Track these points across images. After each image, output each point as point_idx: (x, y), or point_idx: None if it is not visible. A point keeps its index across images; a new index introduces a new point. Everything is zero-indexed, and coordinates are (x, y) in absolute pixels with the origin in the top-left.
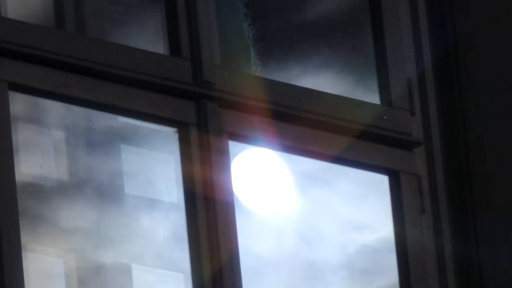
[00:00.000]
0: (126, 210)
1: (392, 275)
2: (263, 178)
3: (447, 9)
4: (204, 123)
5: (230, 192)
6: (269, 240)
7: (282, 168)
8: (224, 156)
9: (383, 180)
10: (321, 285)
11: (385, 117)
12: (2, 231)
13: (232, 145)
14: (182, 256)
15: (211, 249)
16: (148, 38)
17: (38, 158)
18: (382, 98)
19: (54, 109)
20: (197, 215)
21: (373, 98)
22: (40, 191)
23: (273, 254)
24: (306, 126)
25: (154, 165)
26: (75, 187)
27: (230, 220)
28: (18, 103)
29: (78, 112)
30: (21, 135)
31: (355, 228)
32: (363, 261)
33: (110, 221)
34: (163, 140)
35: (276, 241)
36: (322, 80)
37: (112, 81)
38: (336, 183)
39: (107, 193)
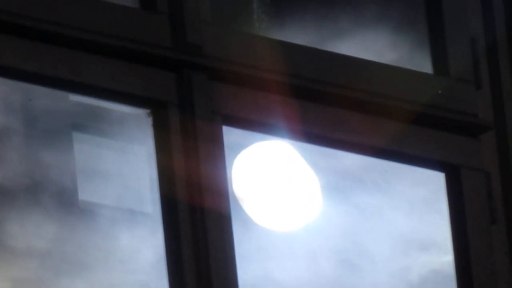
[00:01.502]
0: (81, 223)
1: None
2: (280, 179)
3: None
4: (189, 102)
5: (225, 197)
6: (298, 263)
7: (304, 165)
8: (216, 147)
9: (439, 178)
10: None
11: (440, 92)
12: None
13: (230, 133)
14: (159, 285)
15: (198, 277)
16: None
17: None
18: (436, 67)
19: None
20: (179, 229)
21: (426, 67)
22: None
23: (304, 281)
24: (334, 106)
25: (119, 160)
26: (11, 192)
27: (225, 236)
28: None
29: (14, 88)
30: None
31: (417, 246)
32: None
33: (61, 238)
34: (132, 126)
35: (307, 264)
36: (354, 43)
37: (61, 45)
38: (386, 185)
39: (56, 199)
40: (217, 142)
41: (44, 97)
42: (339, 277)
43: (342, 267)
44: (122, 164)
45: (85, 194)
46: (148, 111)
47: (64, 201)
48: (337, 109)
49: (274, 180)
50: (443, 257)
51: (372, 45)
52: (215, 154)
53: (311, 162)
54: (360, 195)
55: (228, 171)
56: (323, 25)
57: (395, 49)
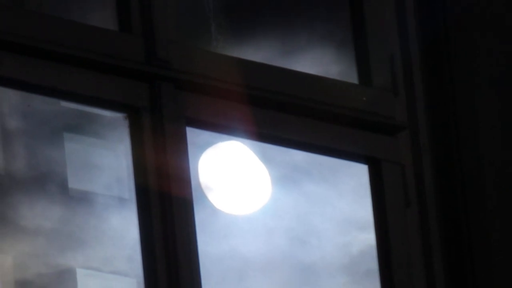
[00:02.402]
0: (71, 207)
1: None
2: (238, 172)
3: None
4: (158, 108)
5: (188, 186)
6: (256, 240)
7: (257, 160)
8: (181, 144)
9: (362, 170)
10: None
11: (364, 99)
12: None
13: (197, 134)
14: (134, 259)
15: (167, 251)
16: (95, 12)
17: None
18: (361, 78)
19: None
20: (150, 212)
21: (351, 77)
22: None
23: (262, 254)
24: (282, 112)
25: (101, 155)
26: (12, 180)
27: (188, 218)
28: None
29: (14, 96)
30: None
31: (356, 226)
32: (367, 262)
33: (52, 219)
34: (111, 127)
35: (264, 241)
36: (293, 58)
37: (53, 60)
38: (328, 176)
39: (49, 187)
40: (182, 141)
41: (40, 103)
42: (292, 251)
43: (294, 243)
44: (105, 158)
45: (73, 183)
46: (125, 115)
47: (64, 189)
48: (284, 114)
49: (233, 172)
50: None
51: (320, 60)
52: (180, 150)
53: (266, 158)
54: (307, 184)
55: (195, 165)
56: (264, 42)
57: (338, 64)
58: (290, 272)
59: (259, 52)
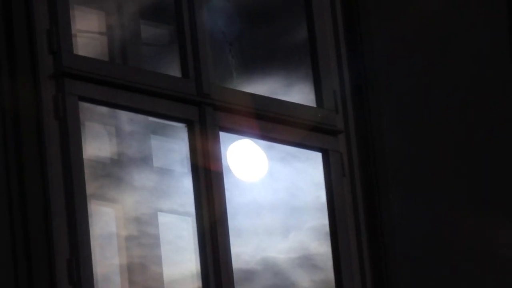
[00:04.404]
0: (155, 177)
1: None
2: (248, 157)
3: (360, 48)
4: (203, 121)
5: (220, 165)
6: (262, 194)
7: (259, 150)
8: (216, 141)
9: (313, 156)
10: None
11: (319, 115)
12: (74, 190)
13: (224, 136)
14: (192, 204)
15: (209, 200)
16: (169, 66)
17: (103, 143)
18: (317, 103)
19: (108, 113)
20: (199, 180)
21: (312, 102)
22: (103, 165)
23: (265, 201)
24: (271, 122)
25: (173, 147)
26: (123, 160)
27: (220, 184)
28: (83, 110)
29: (125, 114)
30: (90, 130)
31: (319, 186)
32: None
33: (145, 184)
34: (178, 131)
35: (267, 194)
36: (284, 89)
37: (147, 94)
38: (300, 162)
39: (142, 165)
40: (217, 139)
41: (139, 118)
42: (283, 199)
43: (284, 195)
44: (175, 149)
45: (156, 162)
46: (185, 125)
47: (151, 166)
48: (272, 124)
49: (246, 156)
50: (318, 193)
51: (300, 90)
52: (216, 144)
53: (265, 148)
54: (290, 163)
55: (225, 153)
56: (265, 81)
57: (308, 94)
58: (284, 212)
59: (264, 85)
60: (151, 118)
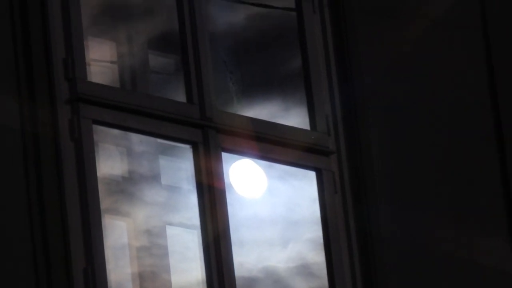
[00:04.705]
0: (163, 192)
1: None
2: (249, 175)
3: (349, 76)
4: (207, 142)
5: (223, 182)
6: (261, 210)
7: (258, 169)
8: (219, 162)
9: (309, 174)
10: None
11: (313, 137)
12: (89, 203)
13: (226, 156)
14: (197, 218)
15: (212, 216)
16: (175, 92)
17: (115, 162)
18: (311, 126)
19: (120, 134)
20: (203, 196)
21: (306, 125)
22: (116, 183)
23: (265, 216)
24: (269, 144)
25: (178, 166)
26: (133, 177)
27: (223, 200)
28: (97, 132)
29: (135, 136)
30: (103, 150)
31: (313, 199)
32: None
33: (154, 199)
34: (184, 152)
35: (266, 210)
36: (281, 113)
37: (155, 118)
38: (296, 179)
39: (151, 182)
40: (219, 159)
41: (148, 139)
42: (280, 214)
43: (282, 210)
44: (180, 168)
45: (164, 180)
46: (190, 146)
47: (159, 183)
48: (270, 145)
49: (246, 174)
50: (314, 207)
51: (296, 114)
52: (218, 164)
53: (263, 167)
54: (288, 181)
55: (227, 171)
56: (263, 105)
57: (303, 118)
58: (282, 225)
59: (263, 110)
60: (159, 140)
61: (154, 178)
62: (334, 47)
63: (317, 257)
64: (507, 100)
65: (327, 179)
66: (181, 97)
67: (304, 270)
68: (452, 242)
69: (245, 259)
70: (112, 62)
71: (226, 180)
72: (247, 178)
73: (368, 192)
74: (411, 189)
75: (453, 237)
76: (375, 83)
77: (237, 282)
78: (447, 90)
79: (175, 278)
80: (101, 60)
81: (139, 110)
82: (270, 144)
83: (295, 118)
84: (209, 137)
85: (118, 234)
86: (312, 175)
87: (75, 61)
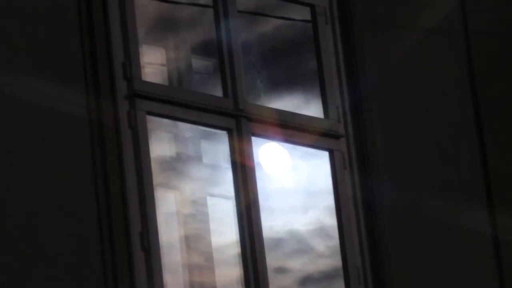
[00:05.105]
0: (204, 170)
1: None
2: (275, 156)
3: (356, 74)
4: (240, 129)
5: (253, 160)
6: (284, 185)
7: (283, 150)
8: (249, 144)
9: (325, 154)
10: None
11: (326, 123)
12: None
13: (255, 140)
14: (232, 190)
15: (244, 189)
16: (213, 89)
17: (165, 145)
18: (325, 114)
19: (169, 123)
20: (237, 174)
21: (321, 114)
22: (166, 162)
23: (286, 188)
24: (291, 129)
25: (217, 149)
26: (182, 158)
27: (253, 176)
28: (150, 121)
29: (181, 125)
30: (155, 136)
31: (324, 175)
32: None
33: (200, 175)
34: (221, 137)
35: (287, 184)
36: (302, 105)
37: (197, 110)
38: (313, 158)
39: (194, 162)
40: (250, 143)
41: (194, 128)
42: (299, 186)
43: (301, 183)
44: (218, 149)
45: (207, 160)
46: (226, 132)
47: (201, 162)
48: (291, 131)
49: (272, 155)
50: (327, 182)
51: (315, 106)
52: (249, 146)
53: (286, 148)
54: (307, 160)
55: (256, 153)
56: (285, 97)
57: (318, 109)
58: (303, 195)
59: (288, 103)
60: (200, 127)
61: (197, 158)
62: (343, 51)
63: (332, 221)
64: (485, 93)
65: (338, 158)
66: (218, 93)
67: (321, 232)
68: (439, 209)
69: (273, 223)
70: (162, 64)
71: (256, 160)
72: (274, 158)
73: (371, 168)
74: (406, 166)
75: (440, 205)
76: (376, 80)
77: (267, 242)
78: (435, 86)
79: (214, 240)
80: (153, 63)
81: (184, 103)
82: (292, 130)
83: (313, 109)
84: (241, 125)
85: (168, 204)
86: (326, 154)
87: (132, 64)
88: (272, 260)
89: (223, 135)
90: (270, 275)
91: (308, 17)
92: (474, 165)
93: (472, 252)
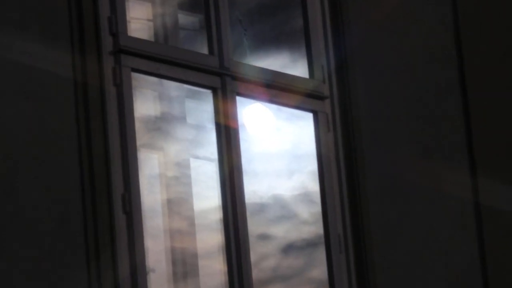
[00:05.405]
0: (188, 130)
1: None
2: (259, 116)
3: (341, 34)
4: (224, 87)
5: (237, 122)
6: (268, 147)
7: (267, 111)
8: (233, 104)
9: (310, 116)
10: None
11: (311, 84)
12: (128, 143)
13: (240, 100)
14: (215, 152)
15: (228, 151)
16: (199, 46)
17: (150, 104)
18: (310, 74)
19: (154, 81)
20: (221, 135)
21: (306, 74)
22: (150, 122)
23: (271, 149)
24: (275, 89)
25: (200, 106)
26: (165, 118)
27: (236, 137)
28: (135, 79)
29: (166, 82)
30: (140, 94)
31: (309, 137)
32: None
33: (183, 136)
34: (205, 95)
35: (272, 147)
36: (289, 65)
37: (182, 67)
38: (297, 119)
39: (177, 122)
40: (234, 103)
41: (174, 85)
42: (285, 147)
43: (285, 143)
44: (201, 107)
45: (190, 120)
46: (210, 90)
47: (184, 122)
48: (275, 90)
49: (256, 115)
50: (311, 144)
51: (302, 66)
52: (233, 106)
53: (271, 109)
54: (290, 121)
55: (240, 113)
56: (270, 56)
57: (304, 69)
58: (288, 159)
59: (275, 61)
60: (185, 85)
61: (182, 118)
62: (329, 10)
63: (317, 187)
64: (470, 53)
65: (322, 119)
66: (203, 50)
67: (306, 197)
68: (422, 173)
69: (256, 187)
70: (148, 20)
71: (240, 121)
72: (258, 119)
73: (355, 130)
74: (389, 129)
75: (423, 169)
76: (362, 41)
77: (250, 207)
78: (420, 47)
79: (197, 204)
80: (139, 18)
81: (170, 60)
82: (277, 90)
83: (300, 68)
84: (226, 84)
85: (151, 165)
86: (310, 116)
87: (118, 18)
88: (254, 226)
89: (208, 94)
90: (253, 241)
91: None
92: (458, 128)
93: (453, 218)
